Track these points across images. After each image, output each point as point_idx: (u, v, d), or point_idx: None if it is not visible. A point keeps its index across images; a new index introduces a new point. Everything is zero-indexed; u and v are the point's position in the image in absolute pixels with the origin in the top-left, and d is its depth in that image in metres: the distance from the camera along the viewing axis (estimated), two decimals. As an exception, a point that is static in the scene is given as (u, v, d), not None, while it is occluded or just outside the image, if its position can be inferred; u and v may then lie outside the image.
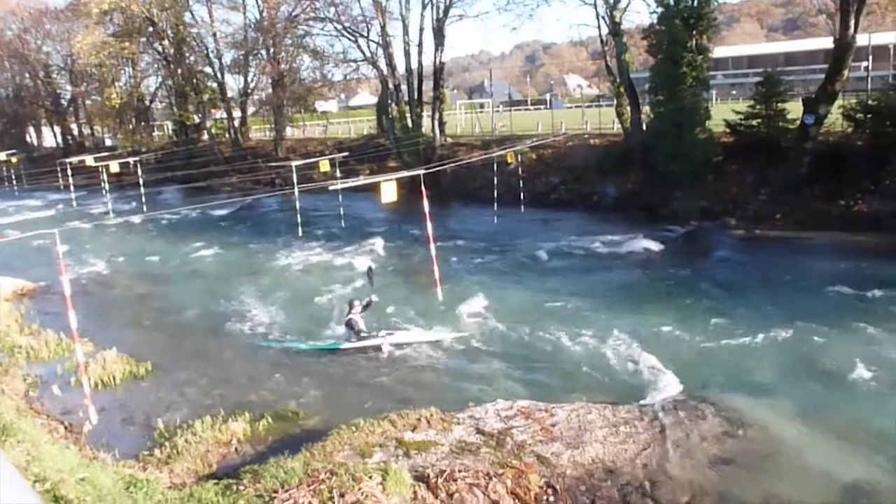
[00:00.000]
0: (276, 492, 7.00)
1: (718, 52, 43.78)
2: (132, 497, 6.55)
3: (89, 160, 35.46)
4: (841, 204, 22.52)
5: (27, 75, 66.18)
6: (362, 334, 13.61)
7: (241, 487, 7.24)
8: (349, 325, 13.68)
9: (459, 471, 7.93)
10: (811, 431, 9.46)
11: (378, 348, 13.51)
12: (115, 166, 32.76)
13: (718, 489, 7.98)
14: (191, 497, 6.96)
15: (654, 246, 21.61)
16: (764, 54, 69.51)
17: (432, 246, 14.25)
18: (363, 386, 12.20)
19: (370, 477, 7.35)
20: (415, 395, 11.34)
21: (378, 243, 24.09)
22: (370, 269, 14.52)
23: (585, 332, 13.87)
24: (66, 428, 10.68)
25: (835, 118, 24.72)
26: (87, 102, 61.86)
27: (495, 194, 25.36)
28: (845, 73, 23.70)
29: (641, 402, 10.56)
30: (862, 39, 25.39)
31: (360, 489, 7.04)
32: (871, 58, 32.26)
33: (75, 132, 67.21)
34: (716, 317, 14.52)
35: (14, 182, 48.31)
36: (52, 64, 64.83)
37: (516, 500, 7.82)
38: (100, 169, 33.11)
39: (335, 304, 17.16)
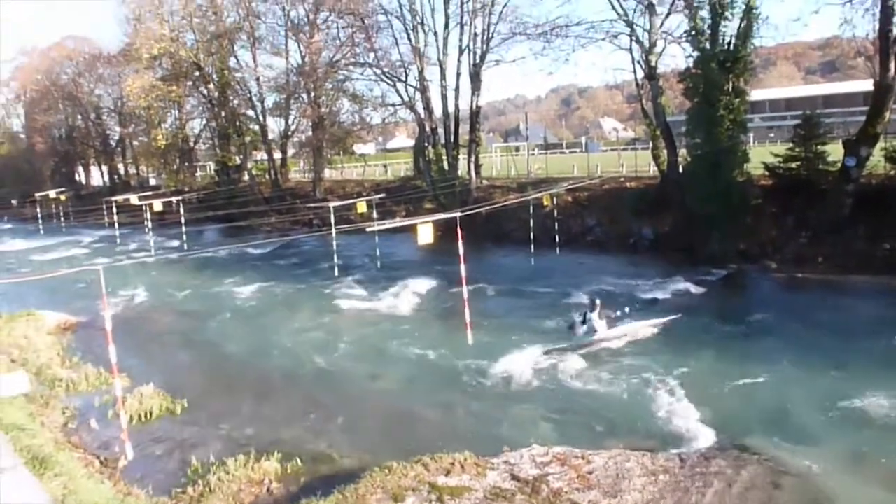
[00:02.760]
0: (307, 533, 6.94)
1: (755, 94, 43.52)
2: (165, 534, 6.55)
3: (134, 199, 36.55)
4: (885, 247, 21.97)
5: (79, 116, 69.29)
6: (610, 326, 15.50)
7: (273, 527, 7.20)
8: (600, 318, 15.39)
9: (493, 516, 7.79)
10: (856, 481, 9.14)
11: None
12: (158, 205, 33.65)
13: (762, 543, 7.68)
14: (223, 536, 6.93)
15: (694, 289, 21.24)
16: (802, 97, 69.13)
17: (465, 288, 14.24)
18: (395, 425, 12.14)
19: (402, 520, 7.26)
20: (448, 436, 11.18)
21: (413, 285, 23.86)
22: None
23: (623, 378, 13.61)
24: (101, 462, 10.78)
25: (877, 160, 24.33)
26: (135, 143, 64.14)
27: (531, 236, 25.28)
28: (886, 114, 23.39)
29: (681, 449, 10.27)
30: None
31: (392, 532, 6.94)
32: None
33: (122, 171, 69.65)
34: (758, 363, 14.14)
35: (62, 219, 49.95)
36: (103, 106, 67.78)
37: (551, 549, 7.63)
38: (143, 207, 34.05)
39: (370, 341, 17.24)
